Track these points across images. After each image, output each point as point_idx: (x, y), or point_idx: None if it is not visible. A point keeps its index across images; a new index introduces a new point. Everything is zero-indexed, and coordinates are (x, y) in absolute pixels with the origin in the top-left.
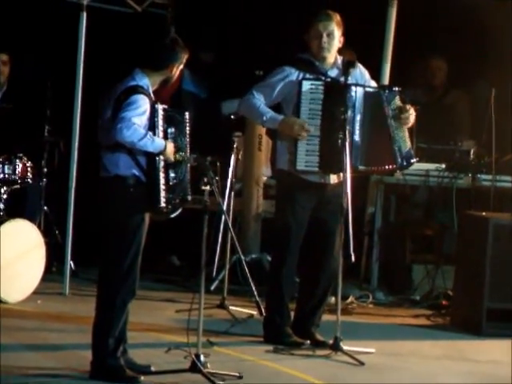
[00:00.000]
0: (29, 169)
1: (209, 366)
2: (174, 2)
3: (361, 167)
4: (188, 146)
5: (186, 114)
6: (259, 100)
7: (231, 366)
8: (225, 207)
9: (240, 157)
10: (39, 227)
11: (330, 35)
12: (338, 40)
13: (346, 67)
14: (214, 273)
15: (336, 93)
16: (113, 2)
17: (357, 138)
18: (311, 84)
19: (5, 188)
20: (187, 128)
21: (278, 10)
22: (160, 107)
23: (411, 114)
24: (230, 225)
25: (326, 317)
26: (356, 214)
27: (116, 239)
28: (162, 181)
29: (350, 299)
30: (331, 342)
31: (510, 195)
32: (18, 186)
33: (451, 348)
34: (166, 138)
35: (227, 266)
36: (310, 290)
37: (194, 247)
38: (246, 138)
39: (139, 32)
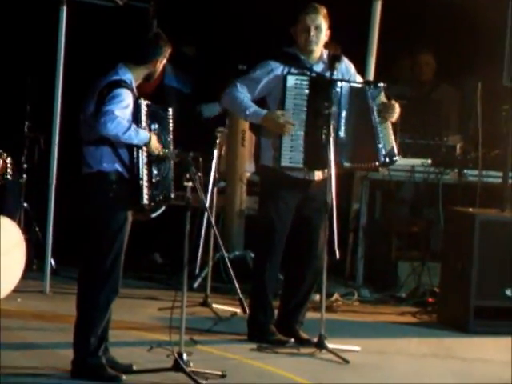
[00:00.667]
0: (8, 165)
1: (192, 364)
2: None
3: (346, 164)
4: (171, 142)
5: (170, 110)
6: (242, 93)
7: (214, 364)
8: (208, 204)
9: (223, 152)
10: (19, 224)
11: (318, 28)
12: (324, 34)
13: (332, 61)
14: (197, 270)
15: (321, 88)
16: None
17: (342, 134)
18: (296, 79)
19: None
20: (170, 124)
21: (261, 2)
22: (143, 103)
23: (396, 110)
24: (213, 222)
25: (310, 314)
26: (341, 211)
27: (99, 237)
28: (145, 177)
29: (335, 297)
30: (316, 340)
31: (497, 191)
32: None
33: (438, 346)
34: None
35: (210, 264)
36: (294, 287)
37: (177, 244)
38: (229, 133)
39: (121, 26)
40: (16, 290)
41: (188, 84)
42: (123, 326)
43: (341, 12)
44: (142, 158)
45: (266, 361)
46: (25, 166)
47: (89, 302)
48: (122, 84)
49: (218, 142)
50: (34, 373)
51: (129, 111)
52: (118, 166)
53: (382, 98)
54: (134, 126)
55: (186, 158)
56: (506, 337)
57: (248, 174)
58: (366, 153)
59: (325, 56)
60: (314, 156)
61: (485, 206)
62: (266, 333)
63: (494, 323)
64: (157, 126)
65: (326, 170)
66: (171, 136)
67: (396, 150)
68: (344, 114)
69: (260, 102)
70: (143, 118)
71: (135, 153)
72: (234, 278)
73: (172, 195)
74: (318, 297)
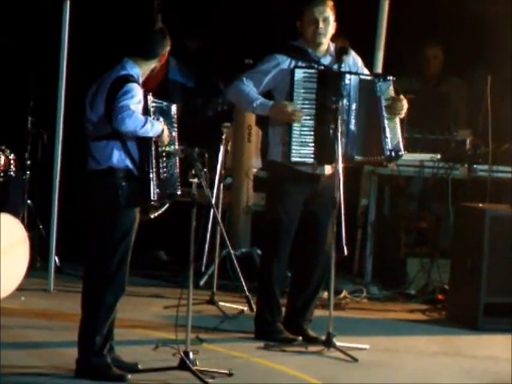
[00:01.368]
0: (11, 161)
1: (198, 363)
2: None
3: (357, 157)
4: (176, 138)
5: (174, 106)
6: (248, 86)
7: (221, 363)
8: (214, 200)
9: (229, 148)
10: (22, 221)
11: (326, 20)
12: (332, 26)
13: (340, 54)
14: (203, 268)
15: (330, 81)
16: None
17: (353, 127)
18: (304, 72)
19: None
20: (175, 120)
21: None
22: (150, 98)
23: (404, 107)
24: (219, 218)
25: (318, 312)
26: (349, 207)
27: (107, 236)
28: (155, 174)
29: (343, 294)
30: (324, 337)
31: (507, 186)
32: (1, 179)
33: (447, 344)
34: None
35: (216, 261)
36: (302, 284)
37: (182, 241)
38: (236, 128)
39: (125, 20)
40: (19, 288)
41: (192, 78)
42: (128, 325)
43: (348, 5)
44: (152, 153)
45: (274, 359)
46: (28, 162)
47: (95, 301)
48: (131, 79)
49: (224, 137)
50: (38, 372)
51: (141, 106)
52: (128, 163)
53: (391, 91)
54: (149, 118)
55: (191, 154)
56: None
57: (254, 170)
58: (372, 146)
59: (332, 49)
60: (324, 150)
61: (495, 202)
62: (273, 331)
63: (504, 320)
64: (163, 120)
65: (334, 165)
66: (176, 132)
67: (402, 145)
68: (354, 106)
69: (266, 96)
70: (151, 113)
71: (145, 148)
72: (240, 275)
73: (178, 192)
74: (326, 294)
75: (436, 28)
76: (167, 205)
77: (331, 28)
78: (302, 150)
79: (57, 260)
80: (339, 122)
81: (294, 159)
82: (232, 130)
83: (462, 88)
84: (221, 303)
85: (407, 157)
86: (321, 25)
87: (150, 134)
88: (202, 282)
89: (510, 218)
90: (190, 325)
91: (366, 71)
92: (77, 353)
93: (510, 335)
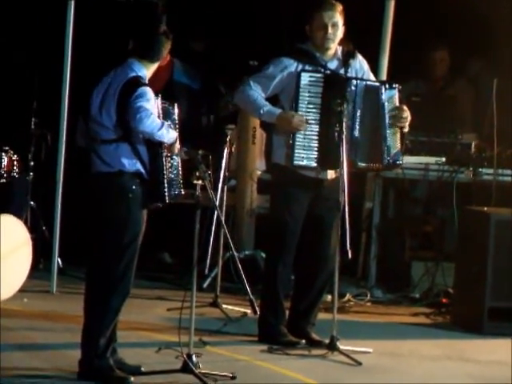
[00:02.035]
0: (15, 162)
1: (201, 366)
2: None
3: (360, 164)
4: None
5: (175, 106)
6: (256, 92)
7: (224, 366)
8: (217, 202)
9: (233, 150)
10: (25, 223)
11: (335, 26)
12: (341, 31)
13: (346, 58)
14: (207, 270)
15: (336, 86)
16: None
17: (356, 133)
18: (310, 76)
19: None
20: (177, 121)
21: None
22: (159, 101)
23: (407, 117)
24: (222, 220)
25: (322, 315)
26: (353, 210)
27: (115, 238)
28: (165, 176)
29: (347, 297)
30: (327, 341)
31: None
32: (4, 180)
33: (451, 348)
34: None
35: (220, 263)
36: (306, 287)
37: (186, 244)
38: (240, 130)
39: (130, 22)
40: (22, 290)
41: (197, 80)
42: (132, 327)
43: (354, 7)
44: (163, 156)
45: (277, 362)
46: (31, 163)
47: (101, 304)
48: (143, 82)
49: (228, 139)
50: (40, 374)
51: (155, 110)
52: (139, 166)
53: (396, 100)
54: (166, 123)
55: (195, 156)
56: None
57: (258, 172)
58: (372, 153)
59: (339, 53)
60: (328, 155)
61: (500, 206)
62: (276, 334)
63: (508, 325)
64: (169, 122)
65: (338, 170)
66: (177, 132)
67: (401, 155)
68: (359, 112)
69: (272, 99)
70: (160, 115)
71: (156, 151)
72: (244, 277)
73: (182, 192)
74: (329, 297)
75: (442, 31)
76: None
77: (340, 33)
78: (306, 154)
79: (60, 262)
80: (344, 127)
81: (296, 163)
82: (236, 131)
83: (470, 91)
84: (224, 306)
85: (412, 160)
86: (330, 30)
87: (165, 140)
88: (205, 285)
89: None
90: (194, 327)
91: (372, 76)
92: (80, 355)
93: None
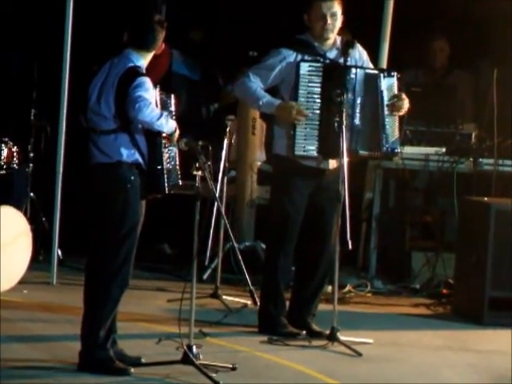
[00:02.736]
0: (14, 154)
1: (201, 357)
2: None
3: (362, 152)
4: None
5: (172, 97)
6: (255, 83)
7: (224, 357)
8: (217, 193)
9: (233, 141)
10: (25, 214)
11: (334, 16)
12: (339, 20)
13: (346, 48)
14: (207, 261)
15: (335, 75)
16: None
17: (357, 121)
18: (309, 66)
19: None
20: (173, 111)
21: None
22: (157, 92)
23: (405, 104)
24: (222, 212)
25: (322, 306)
26: (353, 200)
27: (115, 229)
28: (164, 166)
29: (348, 288)
30: (328, 332)
31: None
32: (4, 172)
33: (452, 338)
34: None
35: (220, 255)
36: (306, 278)
37: (186, 235)
38: (240, 121)
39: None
40: (22, 281)
41: (196, 71)
42: (132, 318)
43: None
44: (162, 146)
45: (277, 353)
46: (31, 154)
47: (101, 295)
48: (141, 72)
49: (228, 130)
50: (41, 365)
51: (153, 101)
52: (137, 157)
53: (395, 88)
54: (165, 113)
55: (195, 147)
56: None
57: (258, 163)
58: (372, 140)
59: (338, 42)
60: (329, 144)
61: (500, 196)
62: (277, 325)
63: (509, 315)
64: (167, 113)
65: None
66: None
67: (399, 143)
68: (359, 100)
69: (272, 89)
70: (158, 106)
71: (155, 141)
72: (244, 268)
73: (180, 182)
74: (330, 288)
75: (442, 20)
76: None
77: (339, 23)
78: (306, 144)
79: (60, 253)
80: (344, 115)
81: (297, 153)
82: (236, 122)
83: (470, 81)
84: (224, 297)
85: (412, 150)
86: (329, 20)
87: (164, 130)
88: (205, 276)
89: None
90: (194, 318)
91: (371, 65)
92: (80, 346)
93: None
